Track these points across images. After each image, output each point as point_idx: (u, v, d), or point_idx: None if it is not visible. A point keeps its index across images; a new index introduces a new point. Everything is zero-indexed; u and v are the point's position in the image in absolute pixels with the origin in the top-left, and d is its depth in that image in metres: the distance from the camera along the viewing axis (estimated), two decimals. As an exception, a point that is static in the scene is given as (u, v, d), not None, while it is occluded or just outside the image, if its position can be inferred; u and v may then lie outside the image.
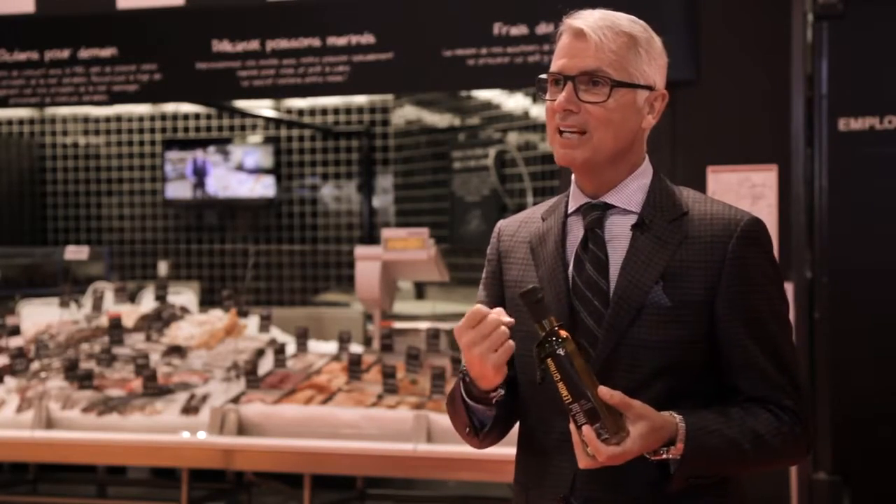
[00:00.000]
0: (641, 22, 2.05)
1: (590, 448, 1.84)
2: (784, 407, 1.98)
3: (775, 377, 1.98)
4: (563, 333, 1.86)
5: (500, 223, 2.22)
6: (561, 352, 1.84)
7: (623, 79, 1.99)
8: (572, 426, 1.85)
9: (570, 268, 2.05)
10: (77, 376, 5.07)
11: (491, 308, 2.10)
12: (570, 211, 2.10)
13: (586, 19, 2.01)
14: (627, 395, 1.90)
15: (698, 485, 1.93)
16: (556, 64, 2.03)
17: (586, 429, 1.83)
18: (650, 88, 2.03)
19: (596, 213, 2.05)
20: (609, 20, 2.01)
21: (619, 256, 2.01)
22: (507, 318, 1.94)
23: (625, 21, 2.02)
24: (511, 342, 1.93)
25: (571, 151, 2.01)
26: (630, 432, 1.83)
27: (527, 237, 2.14)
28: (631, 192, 2.05)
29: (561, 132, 2.02)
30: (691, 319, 1.97)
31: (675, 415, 1.89)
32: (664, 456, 1.87)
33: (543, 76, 2.05)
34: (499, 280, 2.16)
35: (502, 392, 2.02)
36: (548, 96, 2.04)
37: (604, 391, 1.83)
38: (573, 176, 2.10)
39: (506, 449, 2.48)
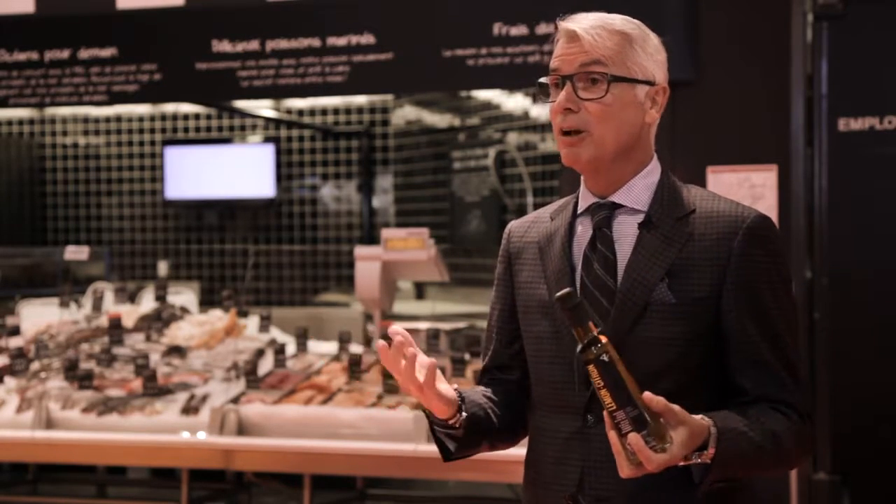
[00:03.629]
0: (635, 21, 2.06)
1: (636, 456, 1.78)
2: (791, 405, 1.98)
3: (781, 375, 1.98)
4: (604, 339, 1.81)
5: (511, 224, 2.23)
6: (605, 358, 1.79)
7: (620, 74, 2.00)
8: (613, 434, 1.79)
9: (579, 267, 2.06)
10: (77, 376, 5.07)
11: (502, 309, 2.17)
12: (579, 211, 2.10)
13: (580, 22, 2.03)
14: None
15: (720, 487, 1.92)
16: (554, 66, 2.05)
17: (633, 437, 1.77)
18: (650, 83, 2.04)
19: (604, 213, 2.05)
20: (602, 20, 2.03)
21: (628, 255, 2.02)
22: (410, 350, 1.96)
23: (618, 20, 2.04)
24: (423, 376, 1.95)
25: (576, 150, 2.02)
26: (673, 438, 1.79)
27: (536, 237, 2.15)
28: (639, 192, 2.05)
29: (564, 133, 2.03)
30: (696, 317, 1.97)
31: (706, 418, 1.85)
32: (695, 461, 1.84)
33: (543, 80, 2.06)
34: (509, 282, 2.18)
35: (463, 416, 2.04)
36: (550, 99, 2.06)
37: (649, 397, 1.78)
38: (582, 176, 2.11)
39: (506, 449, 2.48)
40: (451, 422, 2.04)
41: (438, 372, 2.02)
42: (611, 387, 1.78)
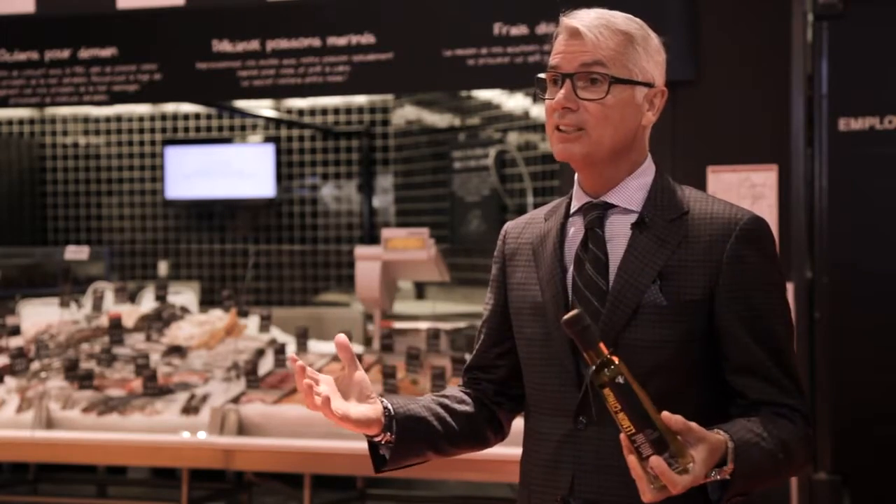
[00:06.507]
0: (638, 20, 2.05)
1: (659, 480, 1.70)
2: (794, 409, 1.95)
3: (781, 379, 1.96)
4: (617, 360, 1.74)
5: (507, 225, 2.22)
6: (620, 380, 1.71)
7: (621, 75, 1.99)
8: (633, 458, 1.72)
9: (571, 268, 2.04)
10: (77, 376, 5.07)
11: (493, 310, 2.17)
12: (571, 211, 2.09)
13: (582, 19, 2.01)
14: None
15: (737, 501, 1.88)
16: (554, 62, 2.02)
17: (655, 460, 1.69)
18: (649, 85, 2.03)
19: (596, 213, 2.04)
20: (605, 18, 2.01)
21: (620, 256, 2.00)
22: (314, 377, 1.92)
23: (621, 19, 2.02)
24: (325, 399, 1.89)
25: (570, 146, 2.00)
26: (694, 457, 1.72)
27: (530, 239, 2.14)
28: (632, 192, 2.04)
29: (559, 129, 2.01)
30: (688, 319, 1.95)
31: (721, 432, 1.80)
32: (715, 477, 1.77)
33: (542, 75, 2.05)
34: (502, 283, 2.17)
35: (391, 436, 2.01)
36: (546, 95, 2.03)
37: (667, 416, 1.71)
38: (576, 176, 2.09)
39: (505, 449, 2.48)
40: (376, 439, 2.02)
41: (360, 388, 1.98)
42: (628, 410, 1.71)
